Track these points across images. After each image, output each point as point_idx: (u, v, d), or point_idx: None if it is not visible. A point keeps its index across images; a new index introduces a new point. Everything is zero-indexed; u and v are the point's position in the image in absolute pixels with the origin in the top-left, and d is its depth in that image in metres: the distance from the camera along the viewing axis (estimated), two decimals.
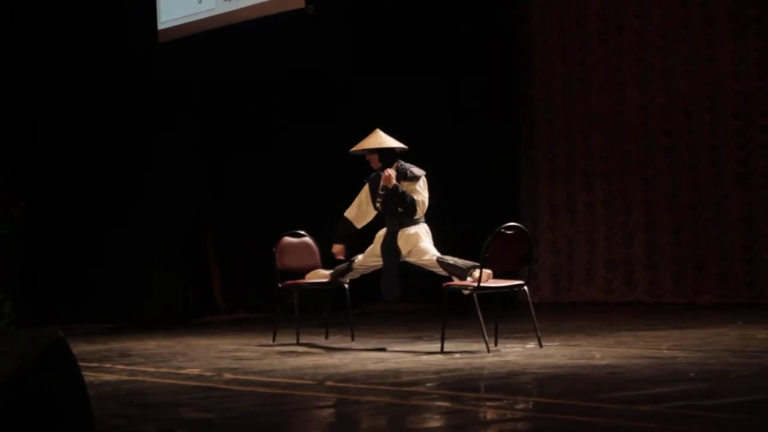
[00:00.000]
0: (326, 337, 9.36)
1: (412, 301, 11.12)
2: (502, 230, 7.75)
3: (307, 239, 9.54)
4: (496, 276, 7.93)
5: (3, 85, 12.68)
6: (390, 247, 8.44)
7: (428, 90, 12.47)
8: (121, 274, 12.85)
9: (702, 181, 11.66)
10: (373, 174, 8.66)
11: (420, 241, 8.37)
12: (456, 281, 7.99)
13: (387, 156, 8.52)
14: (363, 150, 8.60)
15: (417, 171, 8.46)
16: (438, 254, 8.30)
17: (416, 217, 8.41)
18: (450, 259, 8.18)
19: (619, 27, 12.31)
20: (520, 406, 5.44)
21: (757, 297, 11.15)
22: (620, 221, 12.28)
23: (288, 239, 9.50)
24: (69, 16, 13.02)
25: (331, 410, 5.64)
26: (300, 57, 12.56)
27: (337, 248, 8.81)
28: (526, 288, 7.89)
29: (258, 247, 10.86)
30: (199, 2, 12.90)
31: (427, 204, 8.43)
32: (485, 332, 7.72)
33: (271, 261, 9.36)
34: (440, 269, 8.25)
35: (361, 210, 8.75)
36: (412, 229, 8.41)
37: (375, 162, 8.58)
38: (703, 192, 11.64)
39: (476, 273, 7.77)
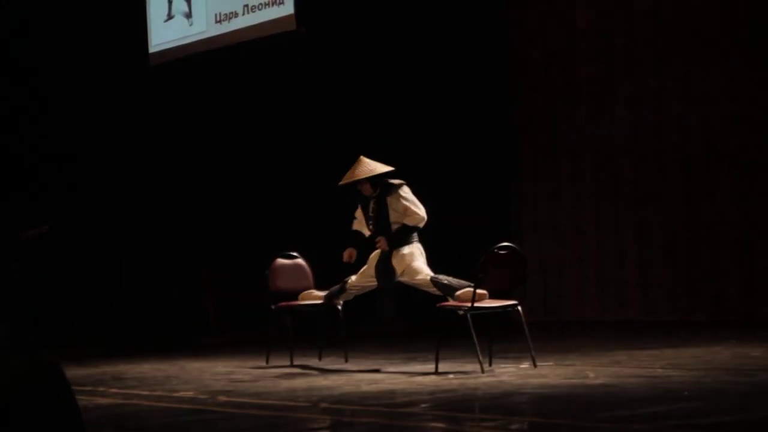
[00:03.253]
0: (320, 359, 9.34)
1: (405, 322, 11.10)
2: (495, 250, 7.76)
3: (300, 261, 9.54)
4: (490, 296, 7.92)
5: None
6: (384, 267, 8.46)
7: (415, 109, 12.50)
8: (115, 297, 12.83)
9: (695, 199, 11.68)
10: (361, 201, 8.71)
11: (414, 261, 8.38)
12: (450, 302, 8.00)
13: (378, 182, 8.55)
14: (354, 180, 8.62)
15: (395, 182, 8.48)
16: (431, 274, 8.31)
17: (421, 225, 8.42)
18: (444, 279, 8.19)
19: (609, 47, 12.34)
20: (515, 426, 5.43)
21: (751, 316, 11.16)
22: (612, 240, 12.29)
23: (281, 261, 9.49)
24: (59, 37, 13.04)
25: None
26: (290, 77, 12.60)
27: (349, 252, 8.73)
28: (520, 308, 7.90)
29: (251, 269, 10.85)
30: (190, 25, 12.92)
31: (421, 209, 8.43)
32: (479, 353, 7.71)
33: (264, 283, 9.35)
34: (434, 289, 8.26)
35: (362, 224, 8.78)
36: (405, 249, 8.43)
37: (367, 190, 8.61)
38: (696, 211, 11.66)
39: (469, 293, 7.79)
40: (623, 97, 12.25)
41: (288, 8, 11.85)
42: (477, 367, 7.75)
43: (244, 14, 12.35)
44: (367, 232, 8.72)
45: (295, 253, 9.57)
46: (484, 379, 7.32)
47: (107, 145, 13.19)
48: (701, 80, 11.63)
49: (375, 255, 8.60)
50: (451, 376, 7.64)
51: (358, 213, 8.79)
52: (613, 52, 12.32)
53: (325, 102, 12.72)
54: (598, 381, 6.88)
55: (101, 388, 8.06)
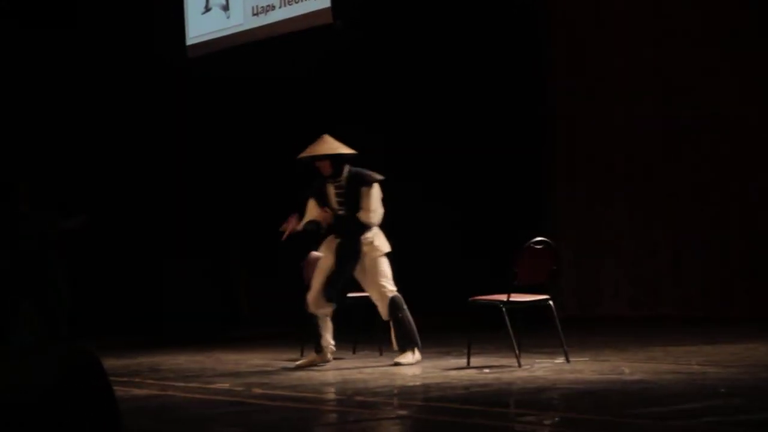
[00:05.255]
0: (354, 352, 9.35)
1: (437, 314, 11.11)
2: (531, 245, 7.75)
3: None
4: (524, 291, 7.92)
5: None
6: (350, 251, 8.40)
7: (447, 98, 12.50)
8: (153, 288, 12.92)
9: (730, 194, 11.59)
10: (317, 183, 8.61)
11: (382, 258, 8.37)
12: (483, 296, 7.94)
13: (338, 162, 8.50)
14: (313, 156, 8.55)
15: (375, 176, 8.42)
16: (395, 291, 8.33)
17: (371, 226, 8.37)
18: (406, 319, 8.23)
19: (641, 40, 12.26)
20: (549, 421, 5.42)
21: None
22: (646, 235, 12.22)
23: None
24: (98, 29, 13.12)
25: (360, 425, 5.63)
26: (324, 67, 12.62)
27: (293, 220, 8.60)
28: (551, 303, 7.88)
29: (286, 262, 10.88)
30: (228, 18, 12.96)
31: (378, 212, 8.37)
32: (516, 347, 7.69)
33: (299, 275, 9.37)
34: (385, 308, 8.29)
35: (315, 207, 8.59)
36: (376, 239, 8.40)
37: (326, 168, 8.50)
38: (732, 205, 11.58)
39: (409, 355, 8.10)
40: (656, 92, 12.16)
41: (325, 1, 11.87)
42: (511, 361, 7.73)
43: (281, 6, 12.37)
44: (323, 215, 8.56)
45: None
46: (519, 374, 7.31)
47: (145, 138, 13.28)
48: (734, 75, 11.52)
49: (329, 242, 8.56)
50: (486, 370, 7.63)
51: (311, 208, 8.62)
52: (644, 46, 12.23)
53: (356, 97, 12.71)
54: (634, 377, 6.85)
55: (137, 379, 8.11)
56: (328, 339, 8.51)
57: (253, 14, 12.69)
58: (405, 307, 8.33)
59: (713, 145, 11.71)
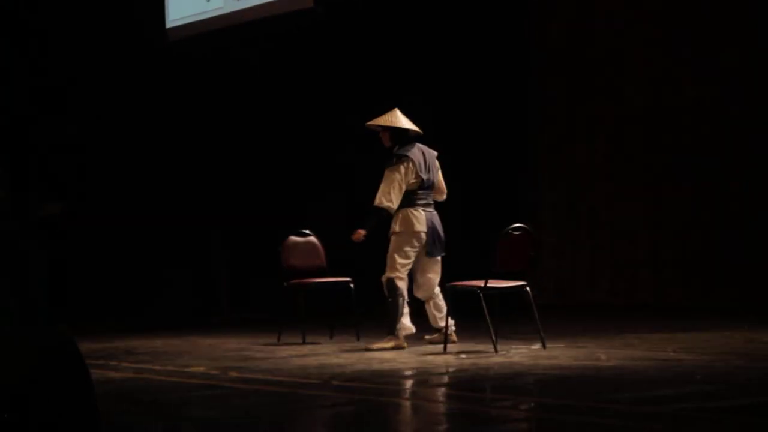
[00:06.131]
0: (331, 337, 9.36)
1: (414, 299, 11.13)
2: (509, 231, 7.76)
3: (313, 239, 9.56)
4: (503, 277, 7.94)
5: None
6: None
7: (435, 90, 12.48)
8: (130, 273, 12.88)
9: (708, 183, 11.64)
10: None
11: (393, 238, 8.37)
12: (459, 283, 7.95)
13: (398, 136, 8.46)
14: (376, 126, 8.55)
15: (403, 153, 8.33)
16: (395, 274, 8.30)
17: (377, 204, 8.31)
18: (392, 305, 8.24)
19: (625, 26, 12.29)
20: (525, 406, 5.44)
21: (764, 300, 11.12)
22: (625, 223, 12.26)
23: (294, 239, 9.51)
24: (79, 13, 13.06)
25: (337, 409, 5.64)
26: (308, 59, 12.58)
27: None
28: (528, 289, 7.90)
29: (264, 247, 10.87)
30: (208, 1, 12.90)
31: (385, 196, 8.28)
32: (493, 332, 7.72)
33: (277, 260, 9.37)
34: (384, 288, 8.30)
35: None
36: (397, 219, 8.38)
37: (386, 140, 8.51)
38: (710, 194, 11.62)
39: (383, 342, 8.14)
40: (639, 79, 12.19)
41: None
42: (488, 347, 7.76)
43: None
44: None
45: (307, 231, 9.58)
46: (496, 359, 7.33)
47: (124, 122, 13.21)
48: (713, 62, 11.55)
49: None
50: (463, 355, 7.65)
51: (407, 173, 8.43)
52: (630, 32, 12.26)
53: (339, 81, 12.69)
54: (610, 363, 6.88)
55: (113, 362, 8.09)
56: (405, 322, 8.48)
57: None
58: (398, 293, 8.28)
59: (693, 134, 11.76)
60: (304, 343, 9.03)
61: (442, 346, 8.06)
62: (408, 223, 8.33)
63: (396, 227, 8.36)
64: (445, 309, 8.27)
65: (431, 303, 8.48)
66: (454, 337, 8.32)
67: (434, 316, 8.48)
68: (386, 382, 6.44)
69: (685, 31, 11.80)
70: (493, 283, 7.79)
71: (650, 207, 12.11)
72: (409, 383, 6.38)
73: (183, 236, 13.26)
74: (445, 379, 6.46)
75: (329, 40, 12.59)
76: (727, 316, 10.19)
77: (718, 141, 11.57)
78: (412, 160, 8.32)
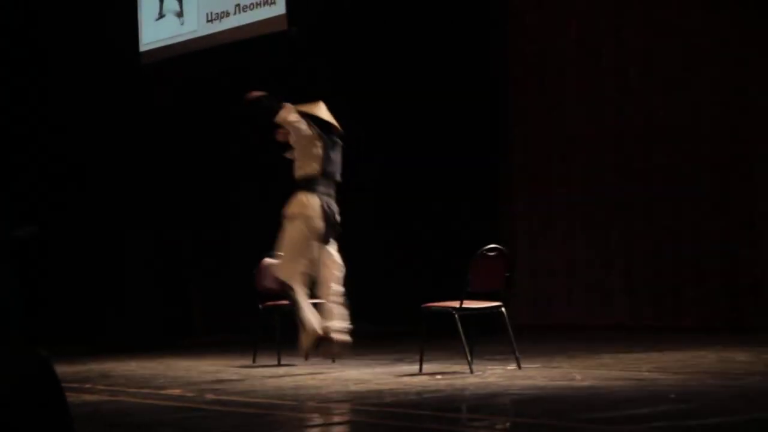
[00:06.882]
0: (306, 359, 9.34)
1: (393, 323, 11.14)
2: (484, 251, 7.79)
3: None
4: (477, 298, 7.96)
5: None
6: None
7: (408, 109, 12.52)
8: (103, 295, 12.84)
9: (680, 205, 11.71)
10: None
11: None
12: (434, 304, 7.95)
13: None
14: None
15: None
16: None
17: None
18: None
19: (598, 50, 12.37)
20: (501, 426, 5.45)
21: (737, 320, 11.19)
22: (599, 245, 12.31)
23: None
24: (51, 35, 13.05)
25: (313, 430, 5.64)
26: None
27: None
28: (504, 309, 7.92)
29: (239, 269, 10.87)
30: (182, 24, 12.93)
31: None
32: (468, 353, 7.73)
33: (251, 283, 9.36)
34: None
35: None
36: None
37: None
38: (683, 216, 11.69)
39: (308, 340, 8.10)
40: (612, 101, 12.26)
41: (280, 8, 11.89)
42: (464, 367, 7.77)
43: (235, 13, 12.38)
44: None
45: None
46: (471, 380, 7.34)
47: (95, 143, 13.20)
48: (687, 87, 11.64)
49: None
50: (439, 376, 7.66)
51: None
52: (602, 53, 12.33)
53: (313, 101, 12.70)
54: (585, 383, 6.90)
55: (88, 385, 8.06)
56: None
57: (208, 21, 12.68)
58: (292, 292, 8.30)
59: (666, 156, 11.83)
60: (279, 364, 9.02)
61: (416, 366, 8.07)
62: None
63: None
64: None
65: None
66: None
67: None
68: (362, 402, 6.44)
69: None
70: (469, 304, 7.81)
71: (623, 229, 12.16)
72: (384, 403, 6.38)
73: (155, 256, 13.24)
74: (421, 399, 6.46)
75: (304, 62, 12.62)
76: (699, 336, 10.23)
77: (690, 165, 11.64)
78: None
